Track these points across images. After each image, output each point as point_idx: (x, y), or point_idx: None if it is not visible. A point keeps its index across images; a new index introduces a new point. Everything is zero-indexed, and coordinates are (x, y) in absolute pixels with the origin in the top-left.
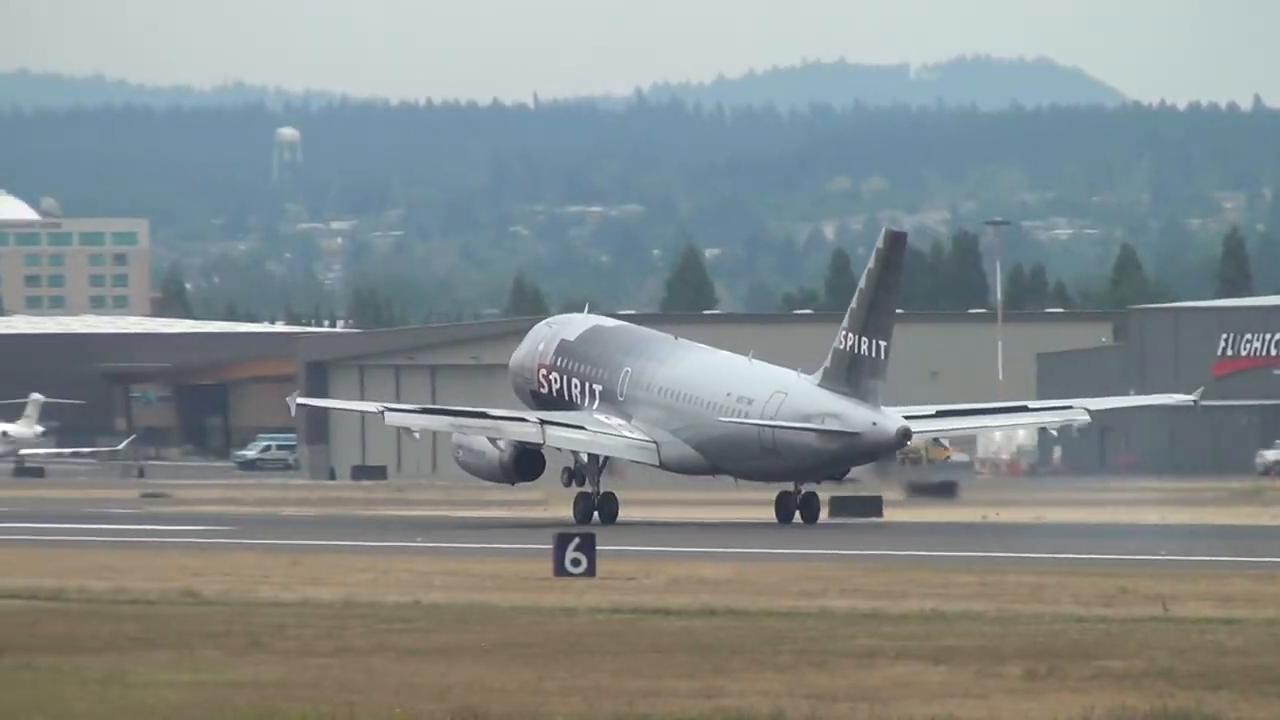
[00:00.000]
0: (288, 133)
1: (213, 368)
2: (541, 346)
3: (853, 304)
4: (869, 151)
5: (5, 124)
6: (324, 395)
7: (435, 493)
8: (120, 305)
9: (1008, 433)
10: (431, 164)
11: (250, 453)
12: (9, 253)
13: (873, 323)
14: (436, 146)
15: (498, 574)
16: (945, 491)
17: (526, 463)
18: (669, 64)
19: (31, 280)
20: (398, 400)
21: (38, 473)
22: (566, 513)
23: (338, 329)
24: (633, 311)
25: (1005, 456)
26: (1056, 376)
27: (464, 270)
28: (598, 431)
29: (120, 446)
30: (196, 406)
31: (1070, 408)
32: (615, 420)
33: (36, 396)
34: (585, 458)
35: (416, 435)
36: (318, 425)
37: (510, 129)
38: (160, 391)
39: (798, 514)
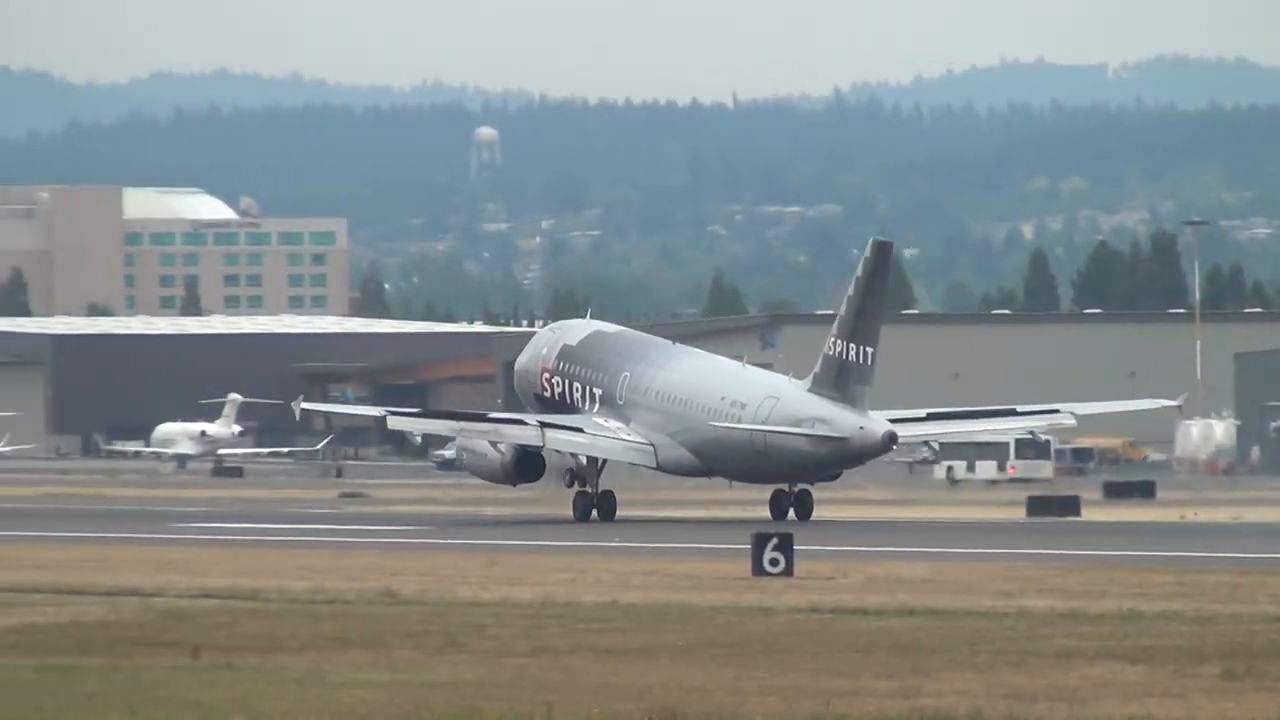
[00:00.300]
0: (486, 132)
1: (411, 368)
2: (545, 351)
3: (841, 311)
4: (1067, 151)
5: (204, 124)
6: None
7: (632, 493)
8: (318, 305)
9: (1204, 432)
10: (630, 163)
11: (448, 453)
12: (208, 252)
13: (860, 330)
14: (635, 146)
15: (695, 574)
16: (1143, 491)
17: (527, 465)
18: (867, 64)
19: (230, 280)
20: None
21: (236, 472)
22: (566, 511)
23: (536, 329)
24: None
25: (1203, 456)
26: (1255, 376)
27: (662, 270)
28: (596, 434)
29: (318, 446)
30: (395, 406)
31: (1058, 411)
32: (614, 423)
33: (235, 396)
34: (584, 459)
35: (418, 439)
36: None
37: (709, 129)
38: (358, 391)
39: (791, 511)
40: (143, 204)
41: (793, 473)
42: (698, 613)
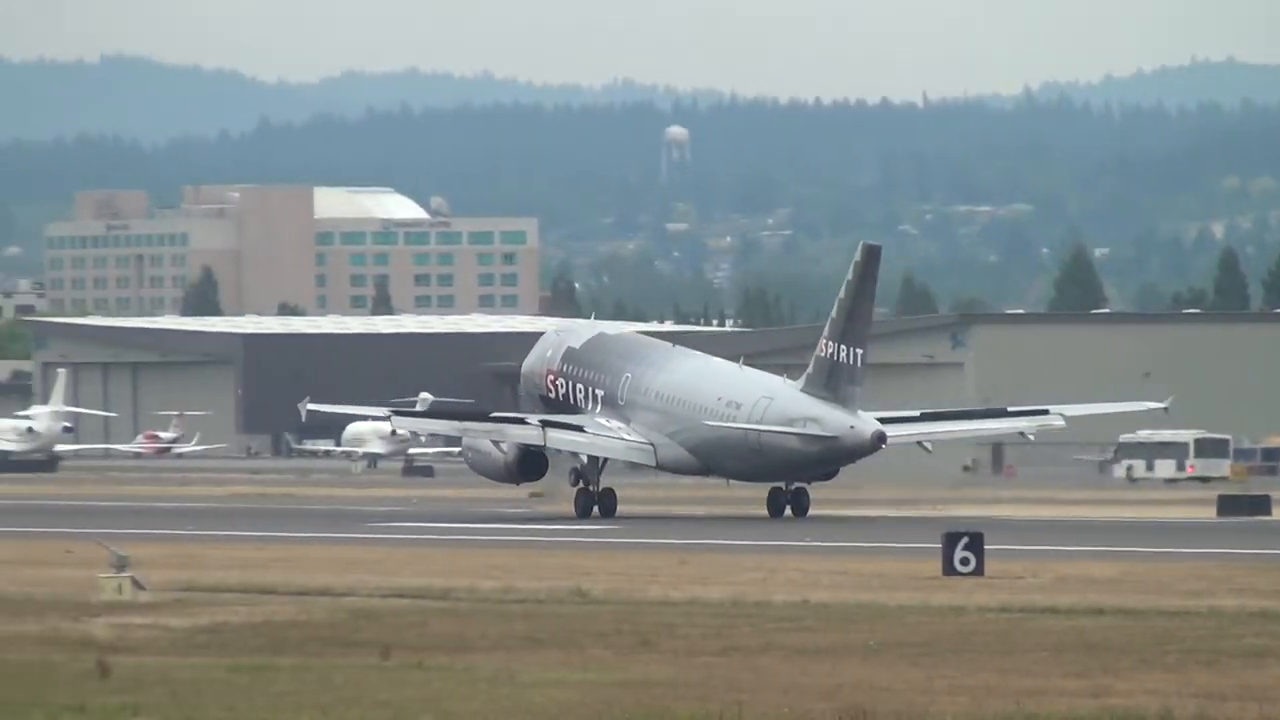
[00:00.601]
0: (676, 131)
1: None
2: (550, 353)
3: (832, 314)
4: (1258, 150)
5: (395, 123)
6: None
7: (824, 492)
8: (509, 304)
9: None
10: (820, 163)
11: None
12: (399, 252)
13: (851, 331)
14: (825, 145)
15: (885, 573)
16: None
17: (530, 463)
18: (1057, 63)
19: (421, 279)
20: None
21: (427, 472)
22: (568, 507)
23: (726, 328)
24: (1021, 310)
25: None
26: None
27: None
28: (596, 434)
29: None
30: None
31: (1047, 412)
32: (615, 423)
33: (425, 396)
34: (585, 458)
35: (422, 439)
36: None
37: (899, 128)
38: None
39: (788, 509)
40: (334, 203)
41: (786, 471)
42: (888, 612)
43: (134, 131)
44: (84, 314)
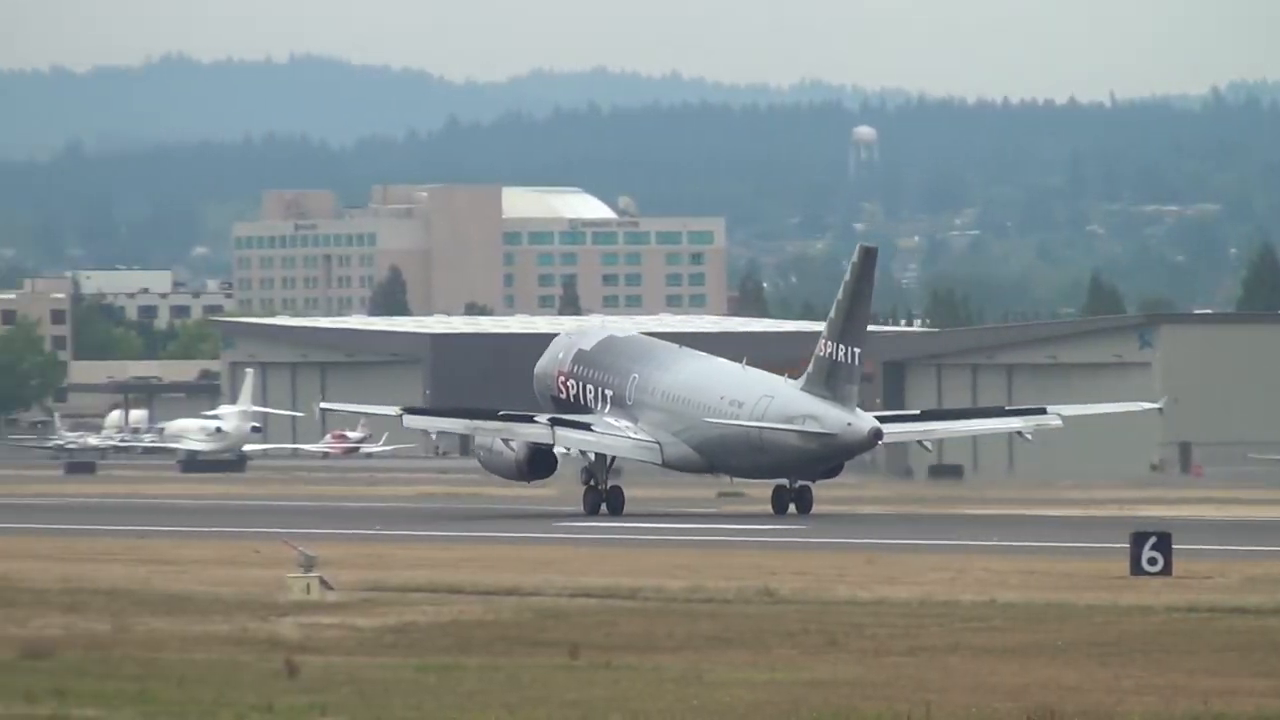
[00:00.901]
0: (864, 131)
1: (790, 366)
2: (561, 355)
3: (831, 314)
4: None
5: (582, 122)
6: (900, 395)
7: (1011, 491)
8: (696, 304)
9: None
10: (1008, 163)
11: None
12: (586, 251)
13: (848, 331)
14: (1013, 145)
15: (1072, 573)
16: None
17: (540, 462)
18: (1245, 62)
19: (609, 279)
20: (974, 401)
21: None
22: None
23: (915, 328)
24: (1209, 310)
25: None
26: None
27: (1040, 269)
28: (604, 432)
29: None
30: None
31: (1044, 412)
32: (623, 422)
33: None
34: (593, 456)
35: (434, 436)
36: None
37: (1087, 128)
38: None
39: (792, 506)
40: (521, 203)
41: (787, 467)
42: (1075, 612)
43: (322, 131)
44: (272, 314)
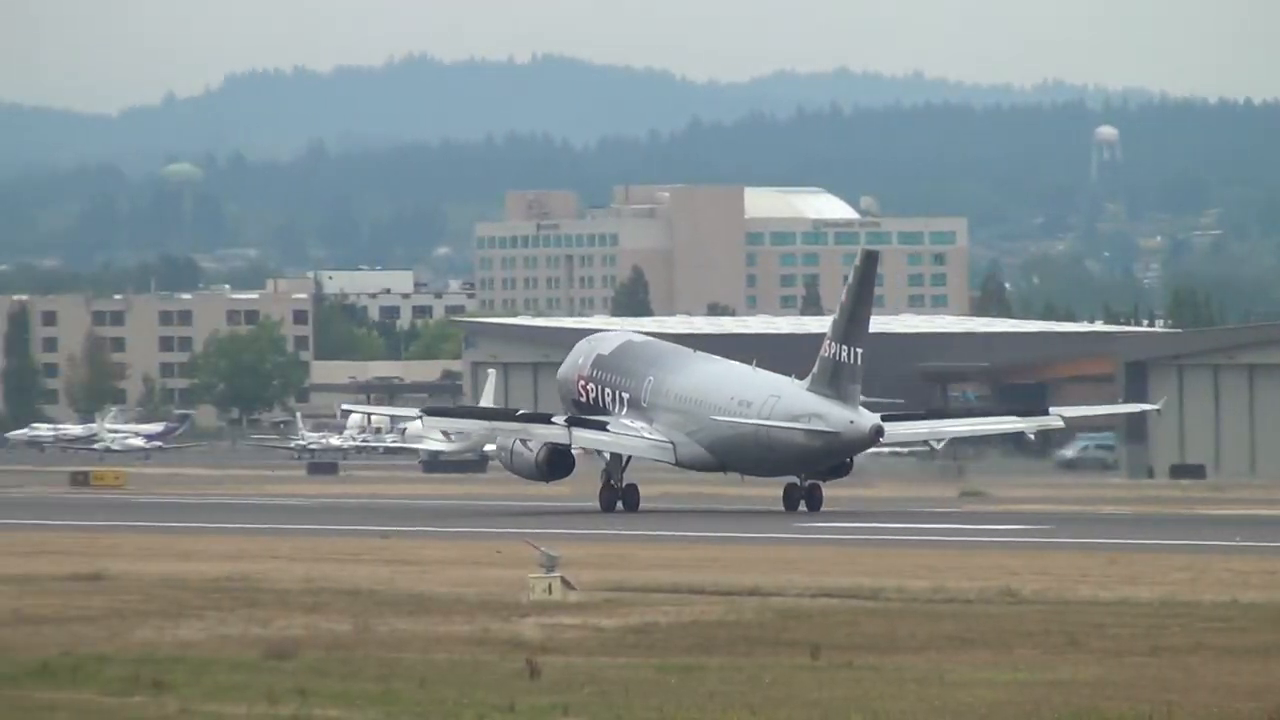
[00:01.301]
0: (1106, 131)
1: (1032, 367)
2: (580, 360)
3: (834, 316)
4: None
5: (825, 123)
6: (1142, 395)
7: (1254, 491)
8: (938, 304)
9: None
10: (1250, 163)
11: (1069, 452)
12: (828, 252)
13: (852, 332)
14: (1256, 145)
15: None
16: None
17: (558, 462)
18: None
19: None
20: (1215, 401)
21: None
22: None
23: (1156, 328)
24: None
25: None
26: None
27: None
28: (620, 433)
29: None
30: (1015, 406)
31: (1047, 413)
32: (639, 424)
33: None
34: (609, 456)
35: (452, 437)
36: (1136, 425)
37: None
38: (979, 391)
39: (803, 503)
40: (764, 203)
41: (794, 464)
42: None
43: (564, 131)
44: (514, 314)
